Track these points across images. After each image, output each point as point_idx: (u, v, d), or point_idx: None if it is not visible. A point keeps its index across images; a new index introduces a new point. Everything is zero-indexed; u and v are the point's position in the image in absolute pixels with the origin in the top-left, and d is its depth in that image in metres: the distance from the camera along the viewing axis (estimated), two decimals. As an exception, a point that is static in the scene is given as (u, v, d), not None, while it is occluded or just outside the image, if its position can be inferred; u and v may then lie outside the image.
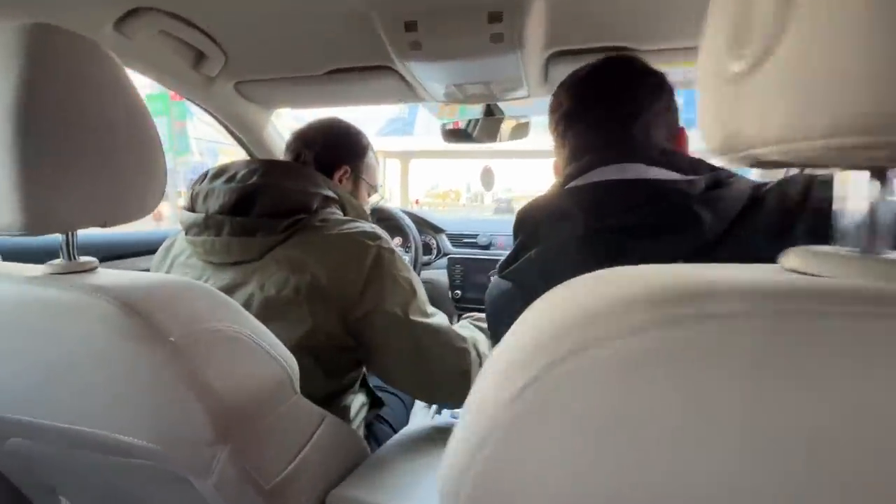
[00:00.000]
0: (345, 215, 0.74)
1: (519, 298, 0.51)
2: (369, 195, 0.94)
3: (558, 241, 0.47)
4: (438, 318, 0.72)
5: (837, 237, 0.19)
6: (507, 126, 1.22)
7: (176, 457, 0.46)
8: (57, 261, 0.45)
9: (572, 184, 0.52)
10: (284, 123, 1.37)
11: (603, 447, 0.17)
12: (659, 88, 0.55)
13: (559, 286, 0.22)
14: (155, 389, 0.43)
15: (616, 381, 0.16)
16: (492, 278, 0.61)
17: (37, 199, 0.39)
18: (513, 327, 0.23)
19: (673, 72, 0.90)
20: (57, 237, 0.45)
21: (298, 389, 0.56)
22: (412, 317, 0.67)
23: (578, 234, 0.46)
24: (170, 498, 0.55)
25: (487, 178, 1.75)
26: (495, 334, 0.59)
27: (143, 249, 1.06)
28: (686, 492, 0.17)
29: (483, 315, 0.96)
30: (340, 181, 0.83)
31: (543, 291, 0.27)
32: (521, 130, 1.16)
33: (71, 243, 0.45)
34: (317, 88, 0.99)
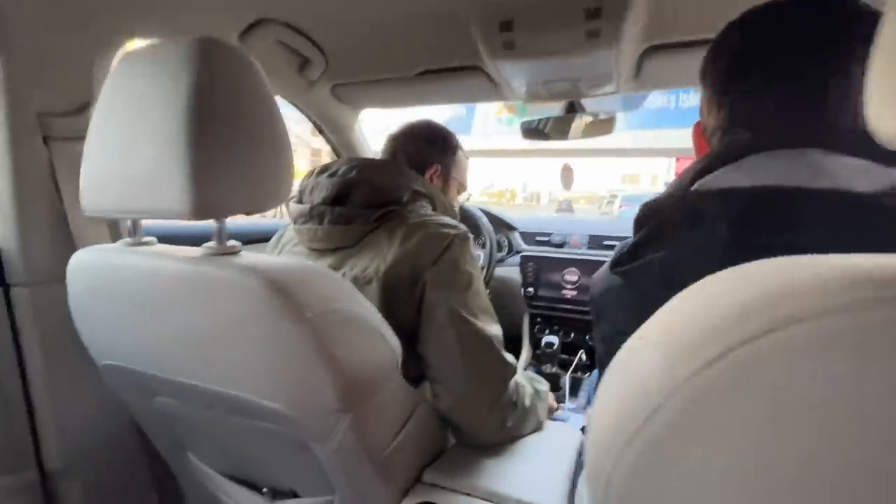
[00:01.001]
0: (434, 210, 0.78)
1: (628, 300, 0.46)
2: (459, 193, 0.97)
3: (692, 249, 0.39)
4: (491, 328, 0.70)
5: None
6: (582, 123, 1.20)
7: (304, 421, 0.51)
8: (211, 243, 0.51)
9: (720, 173, 0.41)
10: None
11: (799, 429, 0.17)
12: (870, 39, 0.40)
13: (736, 268, 0.22)
14: (291, 360, 0.48)
15: (826, 359, 0.17)
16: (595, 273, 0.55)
17: (203, 190, 0.45)
18: (681, 302, 0.22)
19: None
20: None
21: (401, 371, 0.60)
22: (461, 311, 0.66)
23: (720, 246, 0.37)
24: (288, 461, 0.61)
25: (567, 176, 1.72)
26: (598, 329, 0.54)
27: (255, 238, 1.17)
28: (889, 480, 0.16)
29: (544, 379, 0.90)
30: (431, 179, 0.87)
31: (662, 299, 0.23)
32: (603, 127, 1.14)
33: (223, 229, 0.51)
34: (405, 89, 1.04)
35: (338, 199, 0.72)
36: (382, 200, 0.71)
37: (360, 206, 0.71)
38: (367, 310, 0.54)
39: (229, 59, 0.48)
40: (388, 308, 0.65)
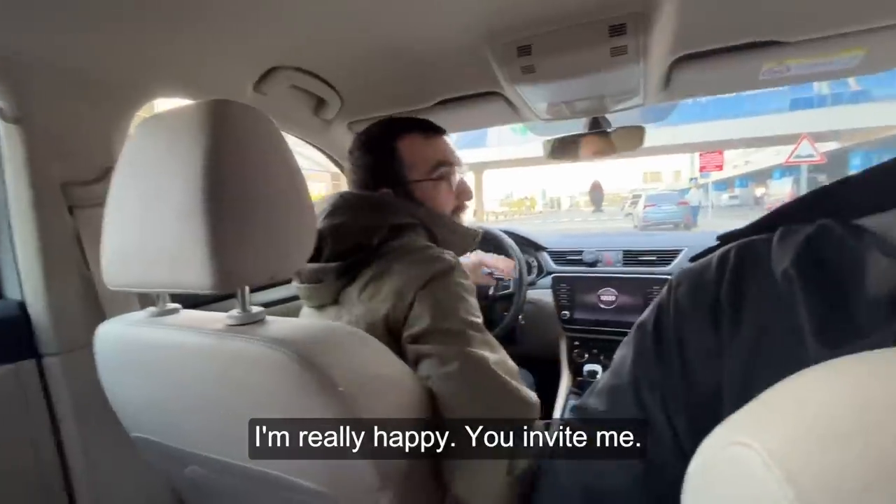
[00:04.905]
0: (431, 236, 0.68)
1: None
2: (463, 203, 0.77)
3: None
4: (498, 354, 0.59)
5: None
6: (608, 139, 1.14)
7: (342, 501, 0.47)
8: (234, 312, 0.49)
9: None
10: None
11: None
12: None
13: None
14: (325, 436, 0.44)
15: None
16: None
17: (222, 260, 0.42)
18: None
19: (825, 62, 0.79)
20: None
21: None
22: (465, 347, 0.56)
23: None
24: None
25: (596, 195, 1.67)
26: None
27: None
28: None
29: None
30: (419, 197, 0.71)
31: None
32: (633, 140, 1.08)
33: (246, 296, 0.48)
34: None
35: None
36: (350, 248, 0.63)
37: (329, 259, 0.64)
38: (402, 369, 0.51)
39: (244, 118, 0.45)
40: None
